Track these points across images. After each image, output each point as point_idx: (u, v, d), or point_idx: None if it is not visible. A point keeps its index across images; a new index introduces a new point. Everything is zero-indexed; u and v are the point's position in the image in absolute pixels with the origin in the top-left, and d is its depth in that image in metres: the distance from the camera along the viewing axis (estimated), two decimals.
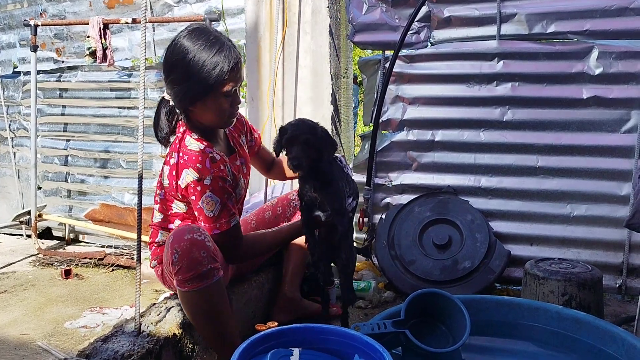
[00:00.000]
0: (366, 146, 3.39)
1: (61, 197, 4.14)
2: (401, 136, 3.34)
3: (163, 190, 2.10)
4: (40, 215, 3.90)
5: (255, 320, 2.39)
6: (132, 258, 3.46)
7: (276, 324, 2.07)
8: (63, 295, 3.01)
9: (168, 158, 2.05)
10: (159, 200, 2.15)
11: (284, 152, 2.04)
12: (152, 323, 1.97)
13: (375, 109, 3.29)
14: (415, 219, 3.14)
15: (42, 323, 2.63)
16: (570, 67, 3.04)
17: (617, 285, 2.97)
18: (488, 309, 2.20)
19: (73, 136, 4.10)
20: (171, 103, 2.03)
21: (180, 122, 2.07)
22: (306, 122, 2.05)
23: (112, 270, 3.41)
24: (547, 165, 3.08)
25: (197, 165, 1.95)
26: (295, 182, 2.37)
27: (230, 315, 1.98)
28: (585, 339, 2.00)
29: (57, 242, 4.02)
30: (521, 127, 3.14)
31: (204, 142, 2.00)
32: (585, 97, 3.01)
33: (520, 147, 3.13)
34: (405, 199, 3.28)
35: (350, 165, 3.47)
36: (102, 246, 3.83)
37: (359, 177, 3.42)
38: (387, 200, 3.39)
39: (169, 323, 1.98)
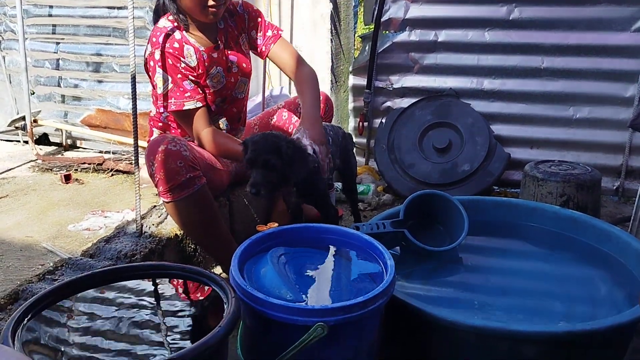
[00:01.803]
0: (367, 47, 3.28)
1: (55, 102, 4.05)
2: (403, 37, 3.22)
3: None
4: (35, 121, 3.84)
5: (256, 222, 2.41)
6: (131, 163, 3.44)
7: (276, 224, 2.10)
8: (64, 199, 3.02)
9: None
10: (151, 89, 2.13)
11: None
12: (153, 224, 1.99)
13: (377, 8, 3.14)
14: (416, 123, 3.10)
15: (46, 226, 2.66)
16: None
17: (615, 187, 2.99)
18: (486, 209, 2.23)
19: (63, 38, 3.94)
20: None
21: None
22: (269, 139, 1.76)
23: (112, 175, 3.41)
24: (552, 67, 3.00)
25: (153, 39, 1.97)
26: None
27: (219, 220, 1.99)
28: (581, 238, 2.03)
29: (55, 148, 3.98)
30: (527, 26, 3.02)
31: (174, 23, 1.99)
32: None
33: (526, 47, 3.03)
34: (406, 102, 3.23)
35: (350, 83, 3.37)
36: (101, 152, 3.79)
37: (359, 81, 3.34)
38: (388, 104, 3.34)
39: (170, 224, 2.00)
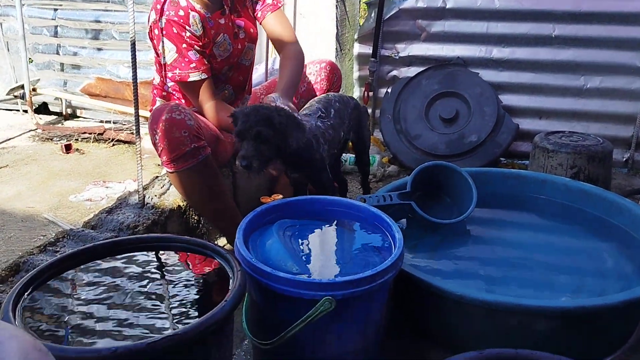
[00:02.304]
0: (372, 14, 3.19)
1: (54, 70, 3.99)
2: (410, 3, 3.12)
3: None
4: (34, 90, 3.78)
5: (260, 194, 2.37)
6: (132, 133, 3.40)
7: (281, 196, 2.06)
8: (65, 169, 2.99)
9: None
10: (154, 57, 2.07)
11: None
12: (155, 195, 1.95)
13: None
14: (422, 93, 3.04)
15: (47, 196, 2.64)
16: None
17: (624, 159, 2.93)
18: (494, 181, 2.18)
19: (61, 5, 3.85)
20: None
21: None
22: (260, 111, 1.66)
23: (113, 145, 3.37)
24: (564, 34, 2.91)
25: (157, 6, 1.90)
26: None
27: (224, 191, 1.96)
28: (591, 211, 1.99)
29: (55, 117, 3.93)
30: None
31: None
32: None
33: (537, 14, 2.94)
34: (412, 71, 3.15)
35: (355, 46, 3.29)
36: (101, 121, 3.75)
37: (365, 49, 3.26)
38: (394, 73, 3.26)
39: (173, 195, 1.96)
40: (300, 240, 1.47)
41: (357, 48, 3.32)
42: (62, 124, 3.81)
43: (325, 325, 1.25)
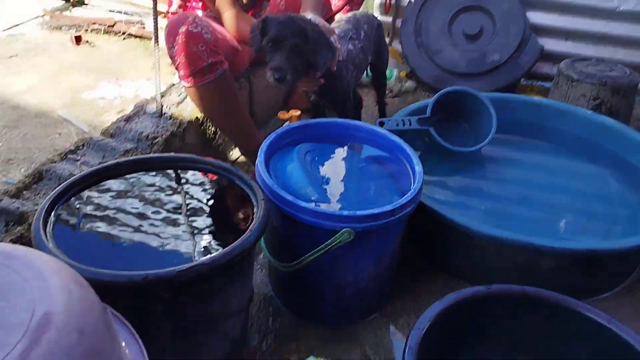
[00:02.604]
0: None
1: None
2: None
3: None
4: None
5: (276, 105, 2.35)
6: (144, 27, 3.29)
7: (299, 112, 2.04)
8: (76, 63, 2.93)
9: None
10: None
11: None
12: (173, 105, 1.93)
13: None
14: (447, 5, 2.90)
15: (59, 92, 2.60)
16: None
17: None
18: (515, 108, 2.16)
19: None
20: None
21: None
22: (296, 21, 1.58)
23: (124, 38, 3.27)
24: None
25: None
26: None
27: (240, 105, 1.93)
28: (609, 147, 1.99)
29: (63, 3, 3.78)
30: None
31: None
32: None
33: None
34: None
35: None
36: (111, 11, 3.61)
37: None
38: None
39: (191, 106, 1.94)
40: (320, 166, 1.48)
41: None
42: (70, 12, 3.67)
43: (342, 254, 1.29)
